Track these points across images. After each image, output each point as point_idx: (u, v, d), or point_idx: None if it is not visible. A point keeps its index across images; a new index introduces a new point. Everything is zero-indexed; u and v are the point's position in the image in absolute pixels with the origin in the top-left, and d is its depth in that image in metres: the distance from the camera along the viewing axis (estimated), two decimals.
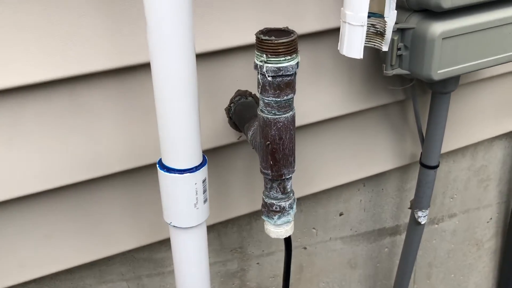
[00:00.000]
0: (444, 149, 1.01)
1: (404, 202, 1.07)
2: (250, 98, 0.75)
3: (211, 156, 0.77)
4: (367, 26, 0.65)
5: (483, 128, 1.04)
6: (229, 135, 0.76)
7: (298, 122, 0.80)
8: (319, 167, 0.89)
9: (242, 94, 0.74)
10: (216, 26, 0.67)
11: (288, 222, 0.67)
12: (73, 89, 0.63)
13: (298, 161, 0.86)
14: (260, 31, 0.57)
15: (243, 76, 0.73)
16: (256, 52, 0.57)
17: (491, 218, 1.25)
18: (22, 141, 0.63)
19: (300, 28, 0.72)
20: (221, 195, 0.82)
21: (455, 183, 1.12)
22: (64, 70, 0.61)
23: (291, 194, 0.66)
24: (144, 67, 0.64)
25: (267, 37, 0.55)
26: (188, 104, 0.56)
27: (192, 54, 0.54)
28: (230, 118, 0.75)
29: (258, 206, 0.81)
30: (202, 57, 0.68)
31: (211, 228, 0.87)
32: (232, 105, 0.74)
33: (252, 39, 0.57)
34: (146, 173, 0.73)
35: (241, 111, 0.73)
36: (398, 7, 0.73)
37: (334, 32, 0.73)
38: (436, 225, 1.17)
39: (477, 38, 0.71)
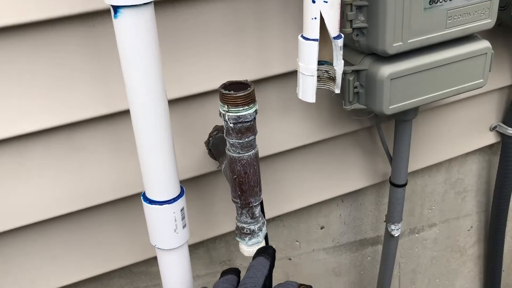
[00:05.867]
0: (417, 167, 1.10)
1: (382, 215, 1.16)
2: None
3: (196, 183, 0.88)
4: (322, 72, 0.74)
5: (455, 146, 1.12)
6: (209, 165, 0.86)
7: (271, 151, 0.90)
8: (297, 187, 0.98)
9: (219, 129, 0.85)
10: (192, 75, 0.78)
11: (258, 242, 0.77)
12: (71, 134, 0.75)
13: (276, 182, 0.96)
14: (222, 84, 0.67)
15: (216, 113, 0.84)
16: (220, 103, 0.67)
17: (471, 227, 1.32)
18: (30, 176, 0.75)
19: (269, 71, 0.83)
20: (207, 215, 0.92)
21: (432, 196, 1.21)
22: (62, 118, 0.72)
23: (260, 219, 0.76)
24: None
25: (227, 91, 0.65)
26: (163, 148, 0.67)
27: (163, 110, 0.65)
28: (209, 150, 0.85)
29: None
30: (183, 100, 0.79)
31: (200, 244, 0.98)
32: (210, 138, 0.85)
33: (220, 83, 0.67)
34: (138, 199, 0.84)
35: (217, 144, 0.83)
36: (354, 50, 0.82)
37: None
38: (417, 235, 1.25)
39: (423, 76, 0.80)
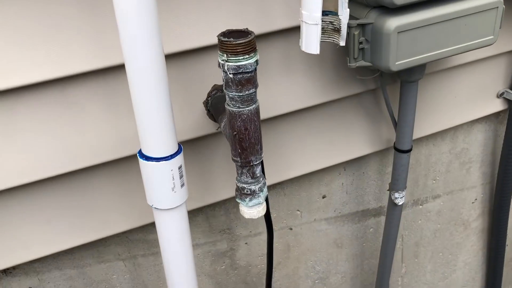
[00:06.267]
0: (422, 133, 1.07)
1: (385, 184, 1.14)
2: None
3: (194, 145, 0.85)
4: (326, 23, 0.71)
5: (460, 112, 1.09)
6: (208, 126, 0.83)
7: (273, 113, 0.87)
8: (298, 153, 0.95)
9: (218, 88, 0.81)
10: (190, 28, 0.74)
11: (259, 203, 0.74)
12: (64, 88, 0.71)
13: (277, 147, 0.93)
14: (222, 32, 0.64)
15: (219, 72, 0.80)
16: (219, 52, 0.64)
17: (476, 199, 1.30)
18: (21, 136, 0.72)
19: (271, 25, 0.79)
20: (206, 181, 0.89)
21: (436, 166, 1.18)
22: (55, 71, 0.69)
23: (261, 179, 0.73)
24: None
25: (226, 39, 0.62)
26: (159, 100, 0.63)
27: (159, 56, 0.61)
28: (208, 110, 0.82)
29: None
30: (180, 55, 0.75)
31: (199, 211, 0.95)
32: (209, 98, 0.81)
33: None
34: (135, 162, 0.81)
35: (216, 104, 0.80)
36: (359, 3, 0.79)
37: None
38: (421, 206, 1.23)
39: (432, 31, 0.76)
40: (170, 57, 0.74)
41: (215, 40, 0.76)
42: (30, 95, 0.70)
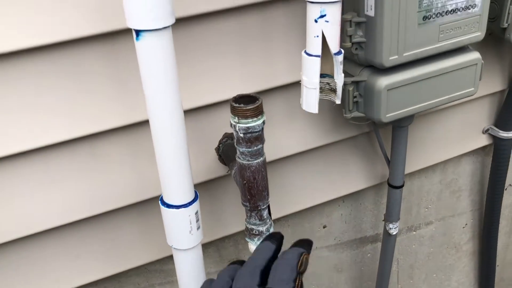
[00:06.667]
0: (414, 168, 1.16)
1: (381, 214, 1.23)
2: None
3: (206, 187, 0.94)
4: (324, 84, 0.81)
5: (449, 148, 1.19)
6: (220, 170, 0.93)
7: (278, 155, 0.96)
8: (301, 190, 1.05)
9: (228, 136, 0.91)
10: (204, 86, 0.84)
11: None
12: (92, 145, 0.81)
13: (282, 185, 1.02)
14: (233, 98, 0.73)
15: (228, 122, 0.90)
16: (231, 115, 0.73)
17: (466, 224, 1.39)
18: (57, 185, 0.81)
19: (275, 81, 0.89)
20: (217, 217, 0.99)
21: (428, 195, 1.27)
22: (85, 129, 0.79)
23: (268, 220, 0.82)
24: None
25: (237, 104, 0.72)
26: (180, 156, 0.73)
27: (179, 120, 0.71)
28: (219, 156, 0.92)
29: None
30: (196, 110, 0.85)
31: (210, 244, 1.05)
32: (220, 145, 0.91)
33: (231, 94, 0.73)
34: (155, 203, 0.90)
35: (227, 151, 0.90)
36: (353, 62, 0.89)
37: None
38: (414, 232, 1.32)
39: (418, 86, 0.86)
40: (187, 112, 0.83)
41: (225, 97, 0.86)
42: (62, 150, 0.79)
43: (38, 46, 0.70)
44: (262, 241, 0.60)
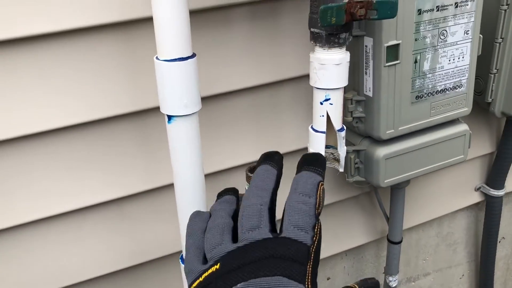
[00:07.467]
0: (412, 224, 1.25)
1: (381, 266, 1.31)
2: None
3: None
4: (328, 154, 0.91)
5: (445, 205, 1.28)
6: None
7: None
8: None
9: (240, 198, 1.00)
10: (221, 155, 0.94)
11: None
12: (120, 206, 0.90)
13: None
14: (248, 167, 0.82)
15: (242, 183, 1.00)
16: (246, 182, 0.83)
17: (463, 275, 1.46)
18: (87, 242, 0.90)
19: (286, 148, 0.99)
20: None
21: (425, 248, 1.35)
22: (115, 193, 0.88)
23: None
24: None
25: (252, 174, 0.81)
26: None
27: (201, 187, 0.80)
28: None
29: None
30: (213, 174, 0.95)
31: None
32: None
33: (245, 160, 0.82)
34: (175, 259, 0.99)
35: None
36: (354, 132, 0.99)
37: None
38: (413, 283, 1.39)
39: (413, 155, 0.96)
40: (206, 176, 0.93)
41: (238, 162, 0.96)
42: (93, 212, 0.89)
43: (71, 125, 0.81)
44: (259, 162, 0.48)
